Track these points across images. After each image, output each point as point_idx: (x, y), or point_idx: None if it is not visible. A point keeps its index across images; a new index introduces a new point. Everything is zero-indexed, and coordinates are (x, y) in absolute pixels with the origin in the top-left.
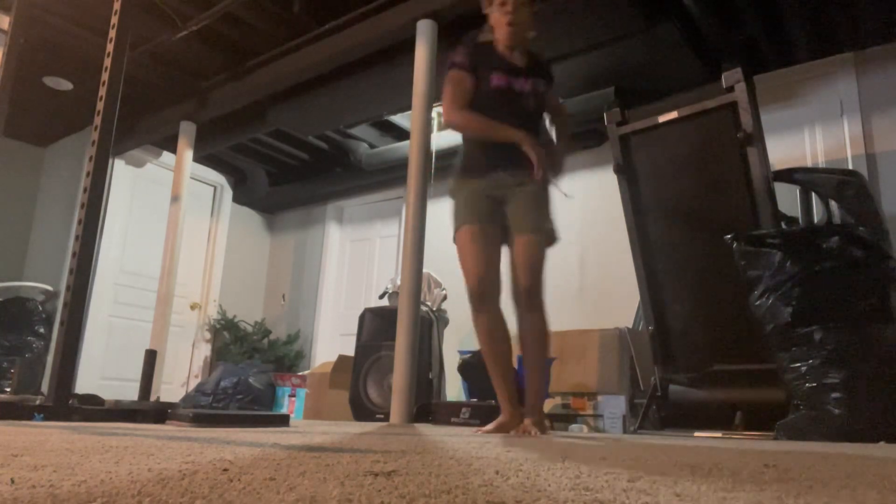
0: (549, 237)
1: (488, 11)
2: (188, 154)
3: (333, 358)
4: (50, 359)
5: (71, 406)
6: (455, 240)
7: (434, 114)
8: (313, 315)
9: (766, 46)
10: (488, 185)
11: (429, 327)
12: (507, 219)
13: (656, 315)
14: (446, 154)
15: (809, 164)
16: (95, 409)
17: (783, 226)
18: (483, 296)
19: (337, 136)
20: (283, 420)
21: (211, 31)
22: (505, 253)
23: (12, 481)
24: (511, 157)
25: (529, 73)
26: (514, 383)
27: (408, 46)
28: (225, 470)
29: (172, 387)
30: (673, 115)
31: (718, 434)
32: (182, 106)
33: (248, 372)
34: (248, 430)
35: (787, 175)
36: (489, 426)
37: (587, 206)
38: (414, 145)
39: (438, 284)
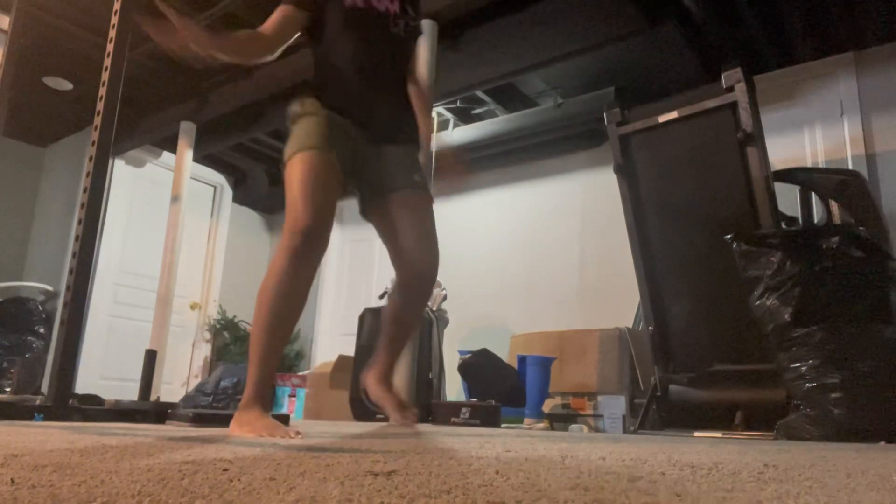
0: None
1: None
2: (188, 154)
3: (333, 358)
4: (50, 359)
5: (71, 406)
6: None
7: (434, 114)
8: (313, 315)
9: (766, 46)
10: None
11: (429, 327)
12: (372, 172)
13: (656, 315)
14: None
15: (809, 164)
16: (95, 409)
17: (783, 226)
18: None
19: None
20: (284, 420)
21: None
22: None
23: (12, 481)
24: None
25: None
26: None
27: None
28: (225, 470)
29: (172, 387)
30: (673, 115)
31: (718, 434)
32: (182, 106)
33: None
34: None
35: (787, 175)
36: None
37: (587, 206)
38: None
39: (438, 284)
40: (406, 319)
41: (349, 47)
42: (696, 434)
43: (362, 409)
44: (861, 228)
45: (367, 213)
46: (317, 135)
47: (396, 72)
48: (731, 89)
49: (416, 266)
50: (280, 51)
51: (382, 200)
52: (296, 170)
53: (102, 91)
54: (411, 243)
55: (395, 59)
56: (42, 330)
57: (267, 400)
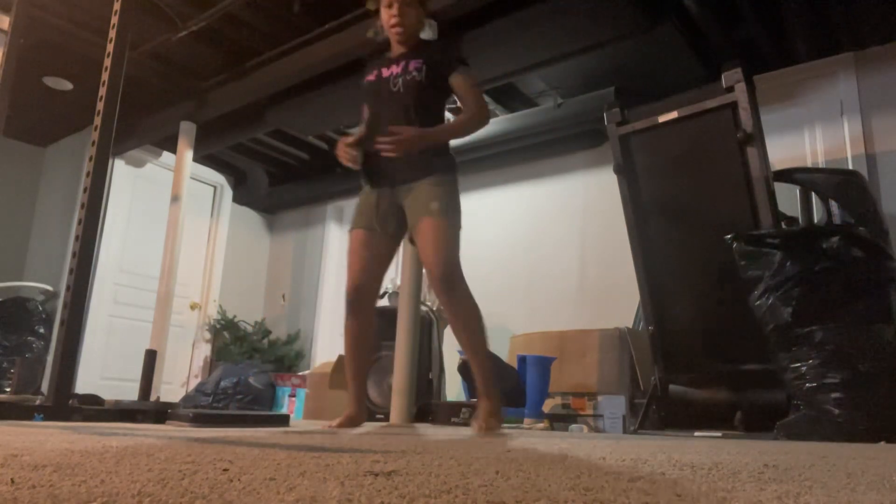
0: (448, 219)
1: (375, 7)
2: (188, 154)
3: (333, 358)
4: (50, 359)
5: (71, 406)
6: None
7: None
8: (313, 315)
9: (766, 46)
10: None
11: (429, 327)
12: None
13: (656, 315)
14: None
15: (809, 164)
16: (95, 409)
17: (783, 226)
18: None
19: (337, 136)
20: (283, 420)
21: (211, 31)
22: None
23: (12, 481)
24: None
25: (403, 57)
26: (364, 385)
27: None
28: (225, 470)
29: (172, 387)
30: (673, 115)
31: (718, 434)
32: (182, 106)
33: (248, 372)
34: (248, 430)
35: (787, 175)
36: (337, 420)
37: (587, 206)
38: None
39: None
40: (451, 323)
41: (370, 116)
42: (696, 434)
43: None
44: (861, 228)
45: (411, 240)
46: (355, 214)
47: (407, 123)
48: (731, 89)
49: (430, 275)
50: None
51: (413, 230)
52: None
53: (102, 91)
54: (426, 258)
55: (402, 112)
56: (42, 330)
57: (353, 407)
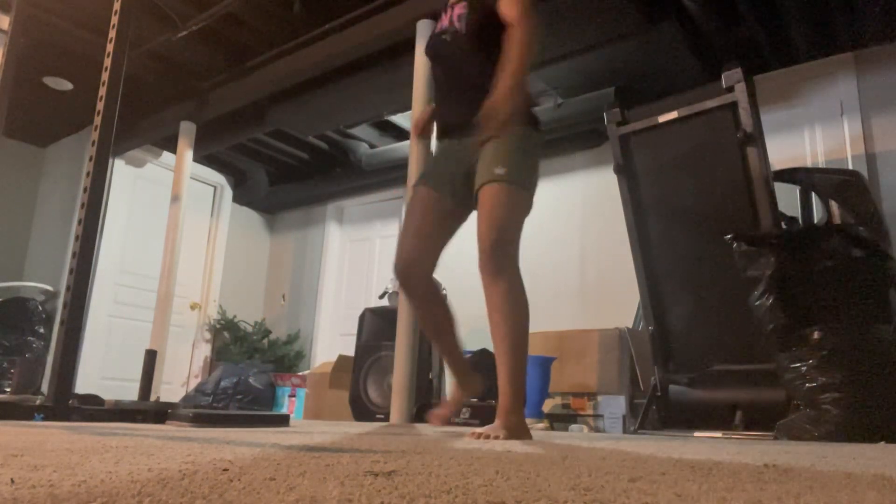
0: (510, 181)
1: None
2: (188, 154)
3: (333, 358)
4: (50, 359)
5: (71, 406)
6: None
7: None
8: (313, 315)
9: (766, 46)
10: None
11: None
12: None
13: (656, 315)
14: None
15: (809, 164)
16: (95, 409)
17: (783, 226)
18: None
19: (337, 136)
20: (283, 420)
21: (211, 31)
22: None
23: (12, 481)
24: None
25: (457, 2)
26: (460, 362)
27: (408, 46)
28: (225, 470)
29: (172, 387)
30: (673, 115)
31: (718, 434)
32: (182, 106)
33: (248, 372)
34: (248, 430)
35: (787, 175)
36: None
37: (587, 206)
38: (414, 145)
39: (439, 284)
40: (489, 314)
41: (435, 69)
42: (696, 434)
43: (362, 409)
44: (861, 228)
45: (474, 205)
46: (422, 168)
47: (465, 77)
48: (731, 89)
49: (479, 246)
50: None
51: (478, 194)
52: None
53: (102, 91)
54: (479, 228)
55: (458, 66)
56: (42, 330)
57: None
